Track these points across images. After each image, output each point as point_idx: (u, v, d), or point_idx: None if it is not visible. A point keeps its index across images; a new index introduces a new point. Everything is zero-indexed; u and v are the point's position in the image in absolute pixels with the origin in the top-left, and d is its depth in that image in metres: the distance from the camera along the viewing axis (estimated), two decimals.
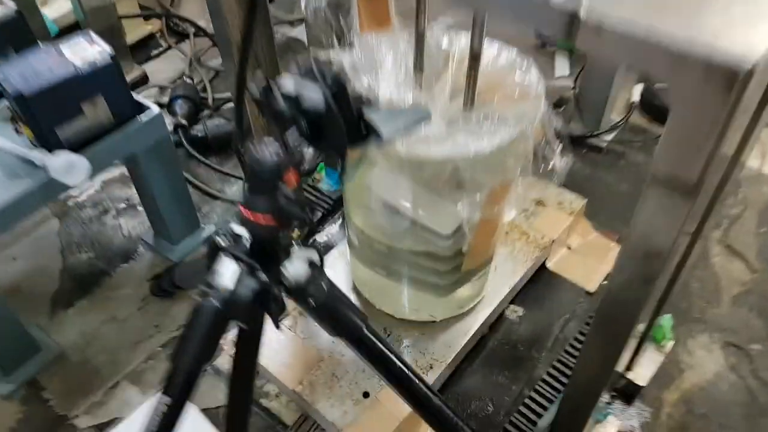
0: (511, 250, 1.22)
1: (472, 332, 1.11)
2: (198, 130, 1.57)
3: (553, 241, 1.25)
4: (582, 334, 1.19)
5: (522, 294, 1.27)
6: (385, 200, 0.92)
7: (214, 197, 1.50)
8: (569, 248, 1.34)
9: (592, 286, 1.27)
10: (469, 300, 1.13)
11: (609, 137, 1.56)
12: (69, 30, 1.73)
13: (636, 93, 1.60)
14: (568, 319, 1.23)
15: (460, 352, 1.10)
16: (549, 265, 1.30)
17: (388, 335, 1.11)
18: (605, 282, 1.28)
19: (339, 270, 1.20)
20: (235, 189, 1.52)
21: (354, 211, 1.01)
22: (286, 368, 1.07)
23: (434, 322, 1.12)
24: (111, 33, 1.61)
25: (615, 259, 0.63)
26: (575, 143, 1.58)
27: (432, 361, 1.07)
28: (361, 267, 1.11)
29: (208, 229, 1.40)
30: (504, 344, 1.20)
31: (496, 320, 1.22)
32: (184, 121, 1.57)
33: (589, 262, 1.31)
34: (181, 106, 1.60)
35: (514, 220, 1.27)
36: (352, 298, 1.15)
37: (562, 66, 1.78)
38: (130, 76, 1.72)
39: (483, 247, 1.00)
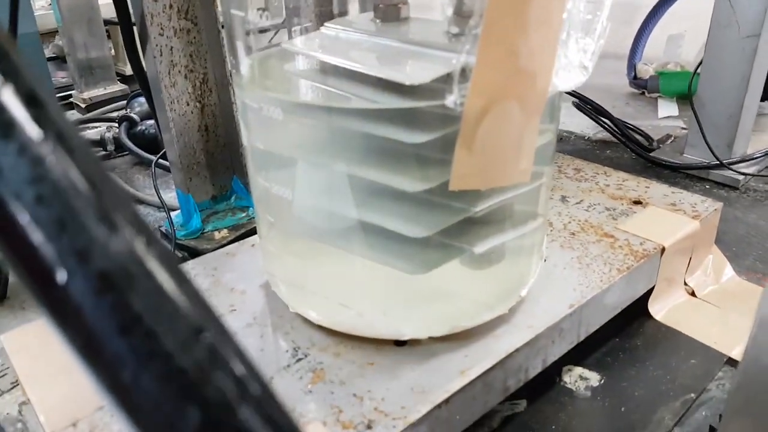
0: (579, 256, 0.64)
1: (476, 373, 0.50)
2: (148, 126, 1.15)
3: (662, 250, 0.65)
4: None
5: (600, 350, 0.65)
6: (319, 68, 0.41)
7: (137, 201, 1.03)
8: (693, 294, 0.72)
9: (739, 353, 0.63)
10: (481, 294, 0.54)
11: (747, 170, 0.99)
12: None
13: None
14: (691, 405, 0.59)
15: (444, 412, 0.48)
16: (656, 312, 0.69)
17: (298, 359, 0.52)
18: None
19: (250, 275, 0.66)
20: (171, 196, 1.04)
21: (262, 156, 0.51)
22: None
23: (402, 344, 0.53)
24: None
25: None
26: (692, 177, 1.02)
27: (375, 415, 0.46)
28: (279, 249, 0.57)
29: None
30: None
31: (542, 385, 0.60)
32: (135, 116, 1.17)
33: (731, 317, 0.69)
34: (141, 104, 1.21)
35: (587, 216, 0.70)
36: (264, 302, 0.59)
37: (668, 108, 1.28)
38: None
39: (500, 135, 0.44)
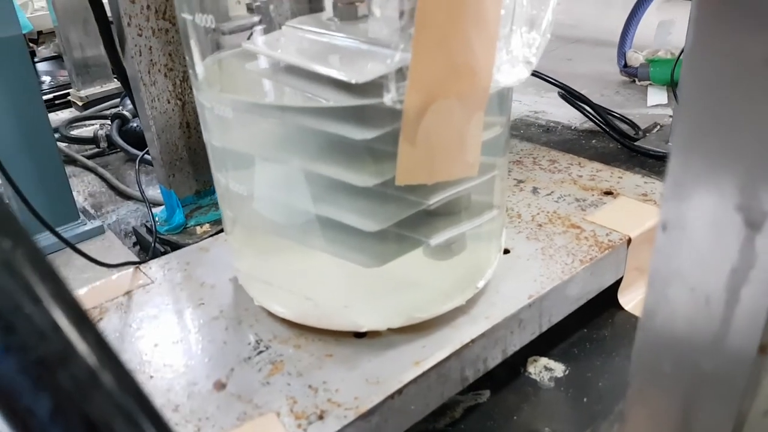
0: (543, 247, 0.64)
1: (430, 364, 0.51)
2: (139, 122, 1.17)
3: (629, 241, 0.66)
4: None
5: (567, 341, 0.66)
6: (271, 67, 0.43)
7: (127, 196, 1.05)
8: None
9: None
10: (439, 285, 0.55)
11: None
12: None
13: None
14: None
15: (398, 402, 0.49)
16: (625, 302, 0.70)
17: (259, 351, 0.53)
18: None
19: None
20: (158, 191, 1.06)
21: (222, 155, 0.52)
22: None
23: (362, 336, 0.54)
24: None
25: None
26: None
27: (328, 406, 0.47)
28: (243, 244, 0.59)
29: (90, 224, 0.93)
30: (514, 426, 0.57)
31: (506, 376, 0.61)
32: (126, 113, 1.19)
33: None
34: None
35: (556, 207, 0.70)
36: (232, 296, 0.60)
37: (657, 96, 1.27)
38: None
39: (442, 130, 0.45)
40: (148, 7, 0.79)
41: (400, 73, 0.42)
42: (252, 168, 0.52)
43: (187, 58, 0.53)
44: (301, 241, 0.53)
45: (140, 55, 0.80)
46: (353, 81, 0.45)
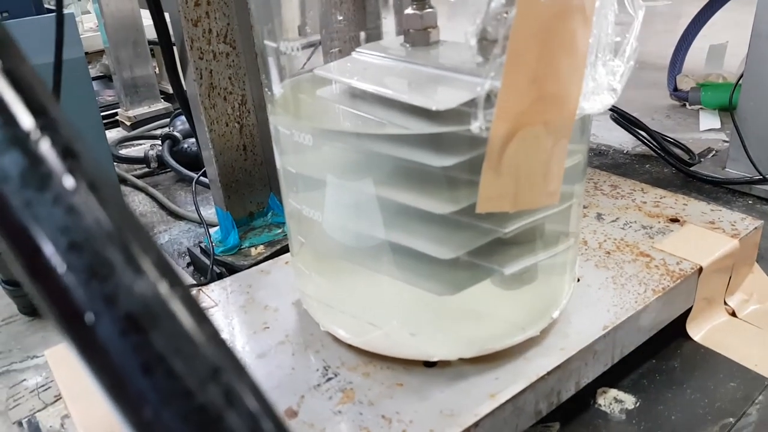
0: (614, 276, 0.63)
1: (506, 397, 0.50)
2: (190, 144, 1.19)
3: (700, 270, 0.64)
4: None
5: (636, 371, 0.64)
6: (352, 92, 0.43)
7: (178, 217, 1.06)
8: (733, 314, 0.70)
9: None
10: (512, 315, 0.54)
11: None
12: None
13: None
14: (730, 429, 0.57)
15: None
16: (694, 333, 0.67)
17: (328, 378, 0.53)
18: None
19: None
20: (211, 212, 1.07)
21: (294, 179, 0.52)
22: None
23: (431, 365, 0.53)
24: None
25: None
26: (734, 192, 0.99)
27: None
28: (310, 268, 0.58)
29: None
30: None
31: (576, 407, 0.59)
32: (177, 134, 1.21)
33: None
34: (184, 122, 1.25)
35: (623, 235, 0.69)
36: (296, 320, 0.60)
37: (710, 121, 1.25)
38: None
39: (527, 158, 0.44)
40: (210, 30, 0.80)
41: (487, 101, 0.41)
42: (325, 192, 0.52)
43: (264, 83, 0.53)
44: (372, 268, 0.53)
45: (201, 78, 0.81)
46: (434, 108, 0.45)
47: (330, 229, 0.53)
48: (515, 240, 0.51)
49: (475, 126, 0.41)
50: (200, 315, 0.18)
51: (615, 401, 0.61)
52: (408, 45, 0.54)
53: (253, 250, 0.85)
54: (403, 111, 0.48)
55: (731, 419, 0.58)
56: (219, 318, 0.61)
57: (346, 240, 0.54)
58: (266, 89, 0.54)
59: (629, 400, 0.61)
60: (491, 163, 0.42)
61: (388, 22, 0.60)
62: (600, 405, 0.61)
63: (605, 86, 0.46)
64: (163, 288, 0.18)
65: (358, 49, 0.55)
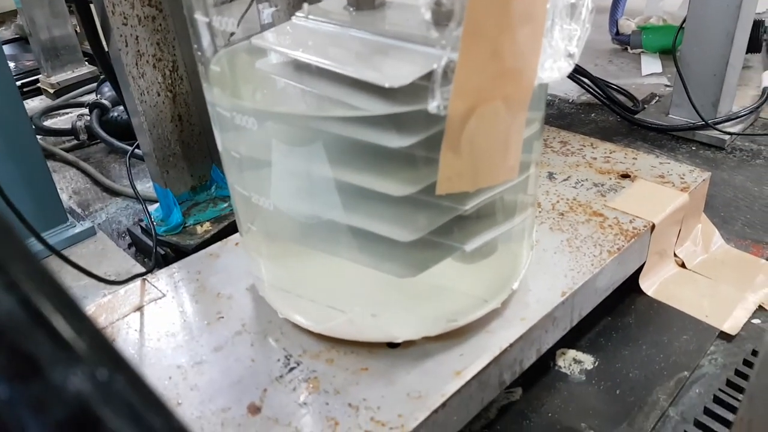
0: (569, 238, 0.63)
1: (471, 373, 0.49)
2: (120, 112, 1.11)
3: (652, 227, 0.64)
4: (710, 412, 0.55)
5: (593, 330, 0.65)
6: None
7: (115, 193, 1.00)
8: (683, 265, 0.72)
9: (730, 326, 0.64)
10: (474, 290, 0.53)
11: (732, 129, 0.98)
12: None
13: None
14: (685, 383, 0.59)
15: (441, 416, 0.48)
16: (647, 287, 0.69)
17: (290, 368, 0.51)
18: (757, 321, 0.65)
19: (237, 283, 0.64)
20: (148, 186, 1.02)
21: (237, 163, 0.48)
22: None
23: (395, 346, 0.52)
24: None
25: None
26: (678, 138, 1.01)
27: (372, 426, 0.45)
28: (263, 252, 0.55)
29: (80, 226, 0.88)
30: (550, 423, 0.56)
31: (536, 371, 0.60)
32: (106, 101, 1.13)
33: (722, 288, 0.68)
34: (111, 88, 1.17)
35: (575, 194, 0.68)
36: (252, 308, 0.57)
37: (651, 65, 1.26)
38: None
39: (486, 136, 0.42)
40: None
41: (445, 78, 0.38)
42: (275, 176, 0.49)
43: (197, 55, 0.49)
44: (331, 251, 0.50)
45: (126, 46, 0.75)
46: (387, 85, 0.42)
47: (284, 213, 0.50)
48: (475, 215, 0.49)
49: (433, 105, 0.39)
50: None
51: (574, 362, 0.62)
52: (351, 8, 0.50)
53: (198, 227, 0.81)
54: (353, 86, 0.45)
55: (686, 372, 0.60)
56: (168, 310, 0.57)
57: (301, 225, 0.51)
58: (199, 63, 0.50)
59: (588, 360, 0.62)
60: (450, 143, 0.40)
61: None
62: (560, 367, 0.62)
63: (562, 52, 0.44)
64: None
65: (297, 14, 0.51)
